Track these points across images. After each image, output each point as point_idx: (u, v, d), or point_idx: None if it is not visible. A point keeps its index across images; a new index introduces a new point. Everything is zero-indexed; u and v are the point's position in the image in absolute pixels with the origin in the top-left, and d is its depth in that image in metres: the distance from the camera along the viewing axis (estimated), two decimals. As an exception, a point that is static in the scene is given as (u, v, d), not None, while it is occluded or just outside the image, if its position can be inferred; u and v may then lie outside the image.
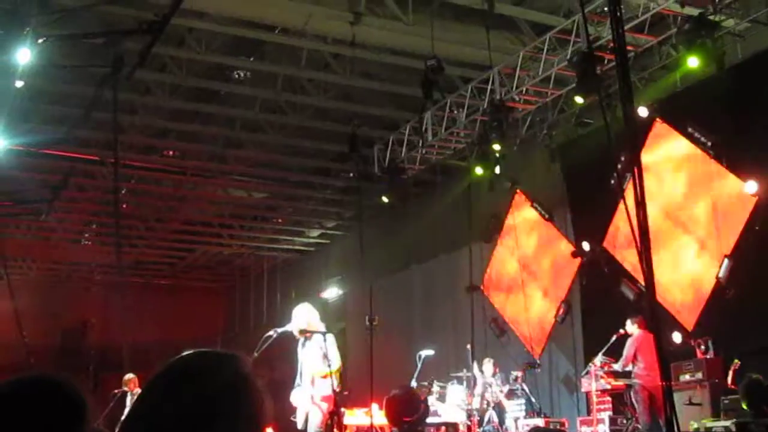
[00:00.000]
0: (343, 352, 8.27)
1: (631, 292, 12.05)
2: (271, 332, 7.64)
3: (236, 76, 14.26)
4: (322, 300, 19.68)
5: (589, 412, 11.88)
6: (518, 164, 14.40)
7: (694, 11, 10.18)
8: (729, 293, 10.64)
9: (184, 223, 21.54)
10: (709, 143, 11.20)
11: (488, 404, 12.30)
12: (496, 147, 12.74)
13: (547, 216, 14.30)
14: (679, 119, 11.68)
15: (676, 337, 11.08)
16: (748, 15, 10.55)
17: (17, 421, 1.70)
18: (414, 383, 11.54)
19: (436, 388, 12.60)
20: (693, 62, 10.28)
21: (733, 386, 9.30)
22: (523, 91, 12.47)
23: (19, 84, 10.80)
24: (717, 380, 9.83)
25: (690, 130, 11.51)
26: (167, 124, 15.99)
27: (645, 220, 3.28)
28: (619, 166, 9.88)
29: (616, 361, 10.92)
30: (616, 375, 10.81)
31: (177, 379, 1.63)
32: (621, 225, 12.07)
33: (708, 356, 10.27)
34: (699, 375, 10.05)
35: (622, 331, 11.03)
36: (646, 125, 11.85)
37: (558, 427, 11.69)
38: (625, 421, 10.97)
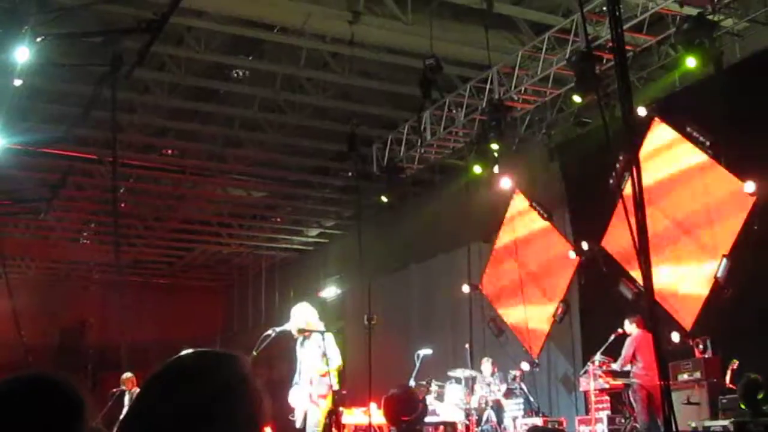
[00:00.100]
0: (342, 351, 8.26)
1: (629, 291, 12.04)
2: (269, 331, 7.64)
3: (235, 75, 14.25)
4: (321, 299, 19.64)
5: (587, 412, 11.88)
6: (517, 164, 14.40)
7: (693, 11, 10.18)
8: (727, 293, 10.63)
9: (182, 222, 21.51)
10: (708, 143, 11.19)
11: (486, 403, 12.31)
12: (495, 146, 12.74)
13: (545, 215, 14.30)
14: (678, 119, 11.66)
15: (675, 337, 11.06)
16: (746, 15, 10.56)
17: (15, 420, 1.70)
18: (412, 382, 11.56)
19: (434, 387, 12.59)
20: (691, 62, 10.29)
21: (731, 386, 9.31)
22: (522, 91, 12.47)
23: (17, 82, 10.80)
24: (715, 380, 9.82)
25: (689, 129, 11.49)
26: (166, 123, 15.97)
27: (644, 219, 3.29)
28: (618, 166, 9.89)
29: (615, 361, 10.93)
30: (614, 374, 10.81)
31: (175, 379, 1.62)
32: (619, 224, 12.07)
33: (706, 356, 10.26)
34: (697, 374, 10.04)
35: (620, 330, 11.05)
36: (645, 125, 11.85)
37: (556, 426, 11.69)
38: (623, 421, 10.96)
